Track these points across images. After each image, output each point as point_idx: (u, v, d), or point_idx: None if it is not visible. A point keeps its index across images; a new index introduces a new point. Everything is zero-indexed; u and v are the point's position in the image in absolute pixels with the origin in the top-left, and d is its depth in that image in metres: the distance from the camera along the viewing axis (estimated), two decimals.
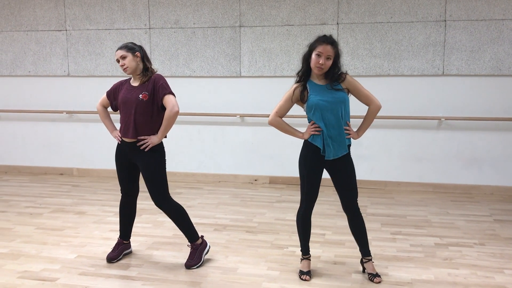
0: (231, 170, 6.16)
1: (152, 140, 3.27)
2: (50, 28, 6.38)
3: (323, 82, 3.05)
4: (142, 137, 3.27)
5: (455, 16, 5.38)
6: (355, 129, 3.16)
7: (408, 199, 5.30)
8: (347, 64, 5.43)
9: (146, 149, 3.26)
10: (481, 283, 3.13)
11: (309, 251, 3.29)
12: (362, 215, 3.23)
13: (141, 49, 3.33)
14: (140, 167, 3.35)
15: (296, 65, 5.73)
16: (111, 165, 6.19)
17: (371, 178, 5.78)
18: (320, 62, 2.94)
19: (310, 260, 3.28)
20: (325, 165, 3.10)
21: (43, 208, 4.92)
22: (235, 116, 6.01)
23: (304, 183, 3.13)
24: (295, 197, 5.29)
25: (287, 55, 5.80)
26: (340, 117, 3.02)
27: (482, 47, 5.36)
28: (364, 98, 3.11)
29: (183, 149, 6.22)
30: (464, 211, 4.80)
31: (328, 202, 5.03)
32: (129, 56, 3.25)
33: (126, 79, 3.42)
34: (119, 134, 3.38)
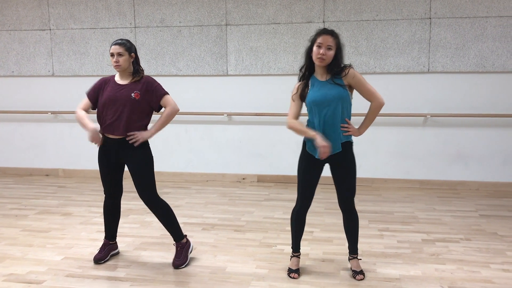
0: (219, 169, 6.14)
1: (142, 135, 3.26)
2: (33, 27, 6.30)
3: (325, 78, 2.99)
4: (131, 133, 3.25)
5: (440, 14, 5.42)
6: (356, 126, 3.11)
7: (395, 195, 5.33)
8: None
9: (136, 144, 3.24)
10: (467, 278, 3.17)
11: (300, 248, 3.29)
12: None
13: (135, 50, 3.35)
14: (128, 164, 3.33)
15: (283, 63, 5.75)
16: (97, 165, 6.16)
17: (358, 175, 5.65)
18: (321, 52, 2.89)
19: (299, 258, 3.29)
20: (326, 161, 3.06)
21: (29, 210, 4.86)
22: (223, 114, 6.00)
23: (300, 181, 3.12)
24: (283, 195, 5.30)
25: (273, 53, 5.80)
26: (338, 115, 2.95)
27: (467, 44, 5.41)
28: (366, 93, 3.01)
29: (171, 149, 6.18)
30: (451, 207, 4.85)
31: (316, 200, 4.98)
32: (126, 55, 3.26)
33: (108, 77, 3.39)
34: (100, 135, 3.32)
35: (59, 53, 6.29)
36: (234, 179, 6.10)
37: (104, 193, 3.52)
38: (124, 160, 3.34)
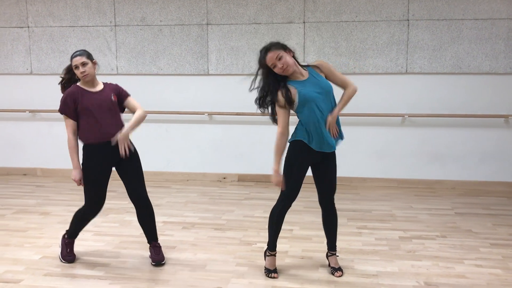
0: (200, 169, 6.15)
1: (123, 135, 3.24)
2: (11, 24, 6.20)
3: (302, 78, 3.01)
4: (115, 138, 3.24)
5: (418, 16, 5.52)
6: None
7: (373, 194, 5.41)
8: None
9: (131, 149, 3.30)
10: (442, 274, 3.24)
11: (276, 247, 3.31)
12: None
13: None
14: (131, 166, 3.37)
15: None
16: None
17: (337, 174, 5.85)
18: (279, 66, 2.91)
19: (276, 256, 3.31)
20: (313, 160, 3.10)
21: (6, 209, 4.79)
22: (203, 114, 6.00)
23: (289, 181, 3.10)
24: (264, 194, 5.34)
25: (254, 53, 5.82)
26: (331, 107, 3.02)
27: (443, 46, 5.52)
28: (340, 82, 3.10)
29: (151, 148, 6.16)
30: (427, 205, 4.94)
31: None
32: (90, 63, 3.28)
33: (75, 89, 3.28)
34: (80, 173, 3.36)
35: (37, 51, 6.21)
36: (214, 178, 6.11)
37: (92, 203, 3.41)
38: (121, 162, 3.33)
